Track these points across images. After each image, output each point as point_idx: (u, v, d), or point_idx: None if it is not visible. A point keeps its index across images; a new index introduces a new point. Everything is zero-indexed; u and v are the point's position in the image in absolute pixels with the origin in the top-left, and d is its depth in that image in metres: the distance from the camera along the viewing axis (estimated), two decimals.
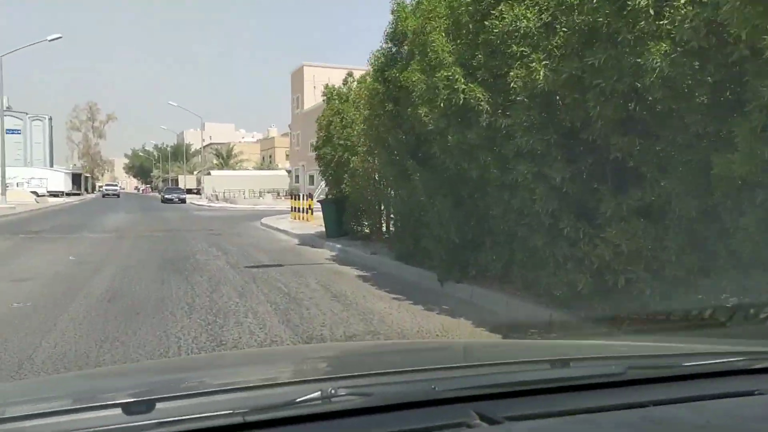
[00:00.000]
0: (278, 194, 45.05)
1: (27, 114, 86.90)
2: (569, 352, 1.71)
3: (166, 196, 45.35)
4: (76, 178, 67.70)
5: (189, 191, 57.81)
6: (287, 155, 78.26)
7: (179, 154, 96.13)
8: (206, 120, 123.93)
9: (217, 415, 0.94)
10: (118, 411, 0.94)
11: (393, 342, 4.37)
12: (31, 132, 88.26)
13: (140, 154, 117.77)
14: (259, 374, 1.48)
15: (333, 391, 1.02)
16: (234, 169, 62.04)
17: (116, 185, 61.80)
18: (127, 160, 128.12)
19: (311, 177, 55.20)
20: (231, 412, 0.95)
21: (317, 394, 1.01)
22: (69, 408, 1.00)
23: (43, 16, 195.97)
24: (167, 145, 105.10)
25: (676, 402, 1.13)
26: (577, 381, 1.21)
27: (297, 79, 56.55)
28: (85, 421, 0.92)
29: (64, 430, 0.91)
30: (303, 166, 55.33)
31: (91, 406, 1.00)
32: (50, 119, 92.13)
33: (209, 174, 55.40)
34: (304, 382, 1.19)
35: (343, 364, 1.69)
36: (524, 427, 1.00)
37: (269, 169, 63.95)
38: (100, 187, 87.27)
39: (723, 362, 1.37)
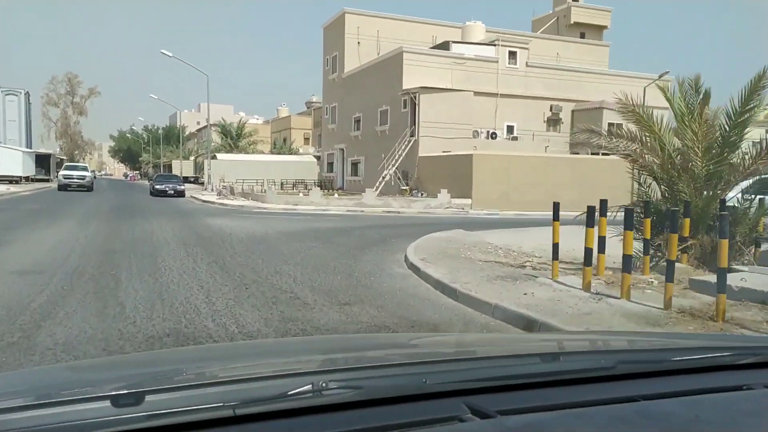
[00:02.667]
0: (322, 187, 31.54)
1: (0, 87, 74.76)
2: (560, 346, 1.70)
3: (158, 187, 31.77)
4: (42, 161, 53.58)
5: (186, 179, 44.20)
6: (306, 138, 64.51)
7: (172, 136, 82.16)
8: (202, 100, 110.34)
9: (207, 407, 0.93)
10: (107, 403, 0.92)
11: (384, 335, 4.29)
12: (5, 108, 75.90)
13: (128, 135, 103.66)
14: (250, 367, 1.40)
15: (324, 385, 1.01)
16: (246, 153, 48.25)
17: (85, 169, 37.12)
18: (113, 143, 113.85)
19: (354, 164, 41.58)
20: (221, 404, 0.93)
21: (308, 387, 1.00)
22: (56, 400, 0.95)
23: None
24: (158, 127, 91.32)
25: (666, 396, 1.12)
26: (569, 375, 1.21)
27: (334, 33, 42.67)
28: (73, 413, 0.89)
29: (52, 422, 0.87)
30: (342, 149, 41.61)
31: (80, 399, 0.95)
32: (27, 94, 79.56)
33: (215, 158, 41.68)
34: (295, 375, 1.15)
35: (334, 357, 1.60)
36: (516, 420, 0.98)
37: (291, 154, 50.18)
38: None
39: (712, 357, 1.37)
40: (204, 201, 27.73)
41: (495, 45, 34.02)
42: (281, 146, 54.77)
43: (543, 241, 11.90)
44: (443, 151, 29.57)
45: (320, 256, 9.60)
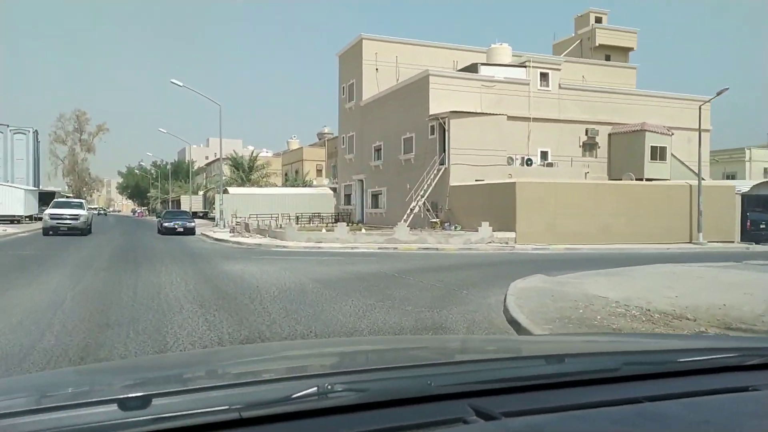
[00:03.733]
0: (339, 221, 28.99)
1: (8, 126, 73.71)
2: (564, 348, 1.67)
3: (166, 224, 29.46)
4: (47, 198, 51.28)
5: (195, 215, 41.86)
6: (319, 169, 62.43)
7: (180, 171, 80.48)
8: (210, 135, 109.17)
9: (213, 411, 0.93)
10: (114, 407, 0.92)
11: (389, 338, 4.26)
12: (13, 147, 74.82)
13: (136, 171, 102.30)
14: (255, 370, 1.41)
15: (329, 387, 1.01)
16: (259, 186, 46.01)
17: (80, 206, 28.09)
18: (121, 179, 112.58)
19: (374, 196, 39.05)
20: (227, 407, 0.93)
21: (313, 390, 1.00)
22: (65, 404, 0.95)
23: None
24: (167, 163, 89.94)
25: (670, 398, 1.11)
26: (573, 377, 1.19)
27: (350, 60, 40.69)
28: (82, 416, 0.90)
29: (60, 425, 0.87)
30: (361, 180, 39.20)
31: (87, 402, 0.96)
32: (35, 133, 78.54)
33: (226, 192, 39.38)
34: (300, 378, 1.14)
35: (339, 360, 1.62)
36: (520, 422, 0.97)
37: (305, 186, 47.88)
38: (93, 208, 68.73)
39: (716, 358, 1.35)
40: (217, 239, 25.23)
41: (526, 66, 31.83)
42: (294, 179, 52.57)
43: (665, 291, 9.16)
44: (476, 180, 27.08)
45: (391, 323, 6.95)
